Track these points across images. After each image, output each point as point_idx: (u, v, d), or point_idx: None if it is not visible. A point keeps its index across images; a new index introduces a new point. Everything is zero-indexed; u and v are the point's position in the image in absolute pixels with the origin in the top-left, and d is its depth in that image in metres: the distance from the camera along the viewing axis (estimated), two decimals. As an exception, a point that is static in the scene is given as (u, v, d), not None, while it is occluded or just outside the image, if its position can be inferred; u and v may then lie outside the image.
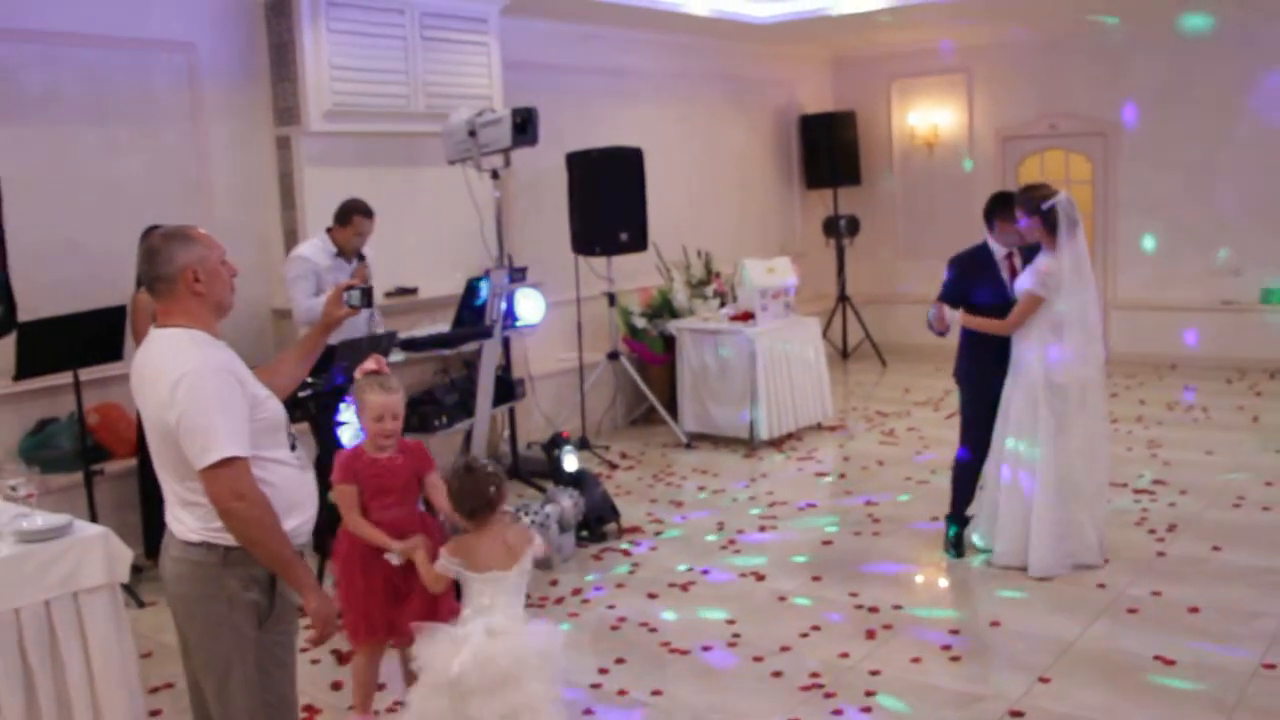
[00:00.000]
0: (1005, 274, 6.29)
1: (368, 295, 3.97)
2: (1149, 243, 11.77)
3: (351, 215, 6.94)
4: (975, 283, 6.30)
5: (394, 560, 4.33)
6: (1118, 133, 11.88)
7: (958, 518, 6.58)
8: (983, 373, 6.32)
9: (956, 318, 6.27)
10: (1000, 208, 6.27)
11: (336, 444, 5.87)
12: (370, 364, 4.41)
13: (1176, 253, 11.70)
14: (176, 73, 7.46)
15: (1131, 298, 11.95)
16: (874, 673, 5.09)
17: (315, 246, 7.00)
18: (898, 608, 5.81)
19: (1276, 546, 6.39)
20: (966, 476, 6.53)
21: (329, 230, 7.03)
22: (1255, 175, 11.20)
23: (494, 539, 3.96)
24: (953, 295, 6.34)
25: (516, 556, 3.95)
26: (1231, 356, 11.36)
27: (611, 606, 6.03)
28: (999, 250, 6.32)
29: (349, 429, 5.92)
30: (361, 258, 7.03)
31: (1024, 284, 6.07)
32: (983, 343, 6.25)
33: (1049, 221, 5.94)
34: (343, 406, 5.97)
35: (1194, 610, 5.55)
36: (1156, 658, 5.05)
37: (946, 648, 5.30)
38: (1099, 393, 6.19)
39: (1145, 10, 11.21)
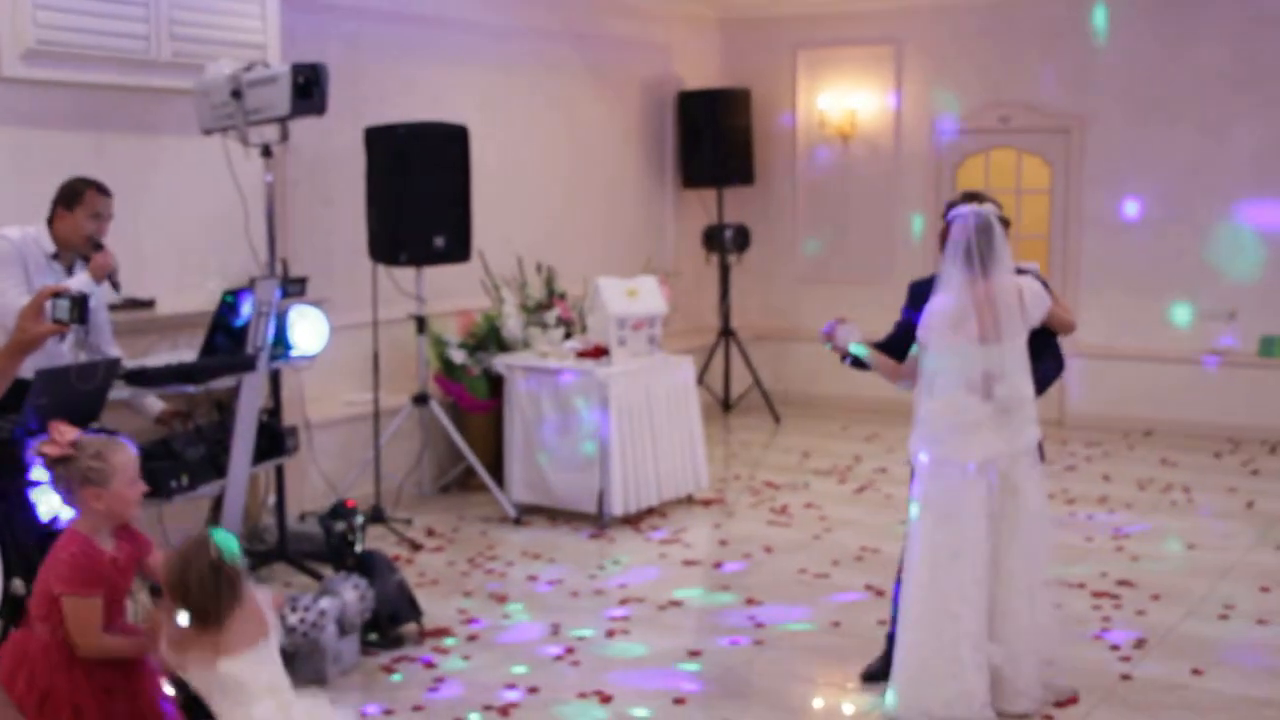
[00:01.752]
0: None
1: (80, 306, 3.84)
2: None
3: (83, 192, 6.74)
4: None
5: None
6: (1084, 132, 12.21)
7: None
8: None
9: (853, 337, 6.21)
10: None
11: (29, 515, 5.63)
12: (52, 448, 4.26)
13: (1153, 289, 12.02)
14: None
15: (1095, 344, 12.22)
16: (752, 832, 5.07)
17: (24, 234, 6.77)
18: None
19: (1272, 671, 6.54)
20: None
21: (49, 222, 6.82)
22: (1252, 196, 11.59)
23: (245, 612, 4.19)
24: (899, 332, 6.31)
25: (263, 614, 4.25)
26: (1221, 423, 11.71)
27: (404, 738, 5.92)
28: None
29: (46, 495, 5.67)
30: (99, 246, 6.82)
31: None
32: None
33: (943, 239, 5.97)
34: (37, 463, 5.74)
35: (1167, 752, 5.65)
36: (1119, 814, 5.11)
37: (848, 798, 5.30)
38: (1023, 490, 6.01)
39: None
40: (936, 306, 5.91)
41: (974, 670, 5.81)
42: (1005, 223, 5.99)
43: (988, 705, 5.82)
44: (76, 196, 6.75)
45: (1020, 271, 6.21)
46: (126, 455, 4.29)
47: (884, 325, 6.40)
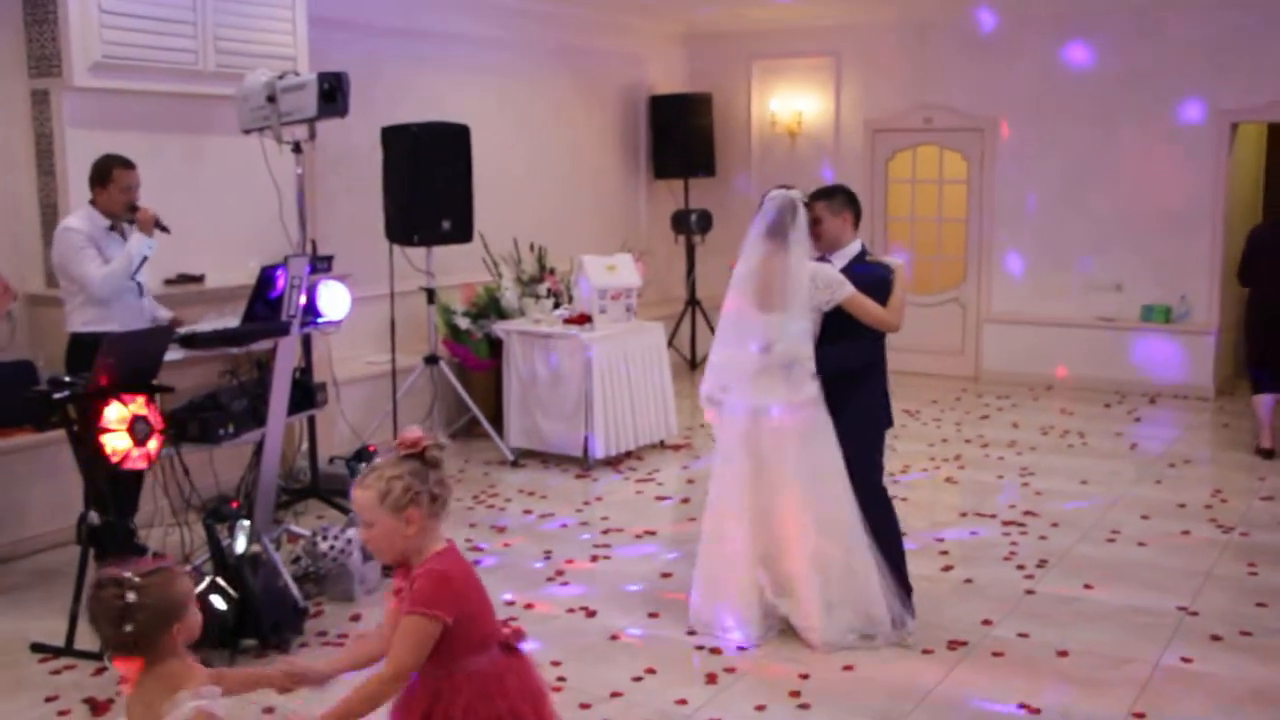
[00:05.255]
0: None
1: None
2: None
3: (109, 170, 6.77)
4: None
5: None
6: (995, 131, 12.26)
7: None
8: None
9: None
10: None
11: (102, 456, 5.65)
12: (412, 436, 3.32)
13: (1054, 264, 12.11)
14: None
15: (1005, 311, 12.31)
16: (714, 722, 5.12)
17: (82, 218, 6.81)
18: (742, 649, 5.86)
19: (1150, 585, 6.63)
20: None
21: (92, 203, 6.84)
22: (1137, 184, 11.65)
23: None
24: None
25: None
26: (1110, 378, 11.80)
27: (419, 646, 5.93)
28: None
29: (114, 440, 5.67)
30: (135, 208, 6.83)
31: None
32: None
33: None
34: (109, 410, 5.74)
35: (1062, 654, 5.72)
36: (1021, 706, 5.18)
37: (795, 694, 5.36)
38: (790, 441, 5.81)
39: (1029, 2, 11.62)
40: (737, 272, 5.88)
41: (740, 586, 5.90)
42: (808, 207, 5.83)
43: (752, 606, 5.88)
44: (107, 175, 6.78)
45: (871, 262, 6.02)
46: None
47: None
